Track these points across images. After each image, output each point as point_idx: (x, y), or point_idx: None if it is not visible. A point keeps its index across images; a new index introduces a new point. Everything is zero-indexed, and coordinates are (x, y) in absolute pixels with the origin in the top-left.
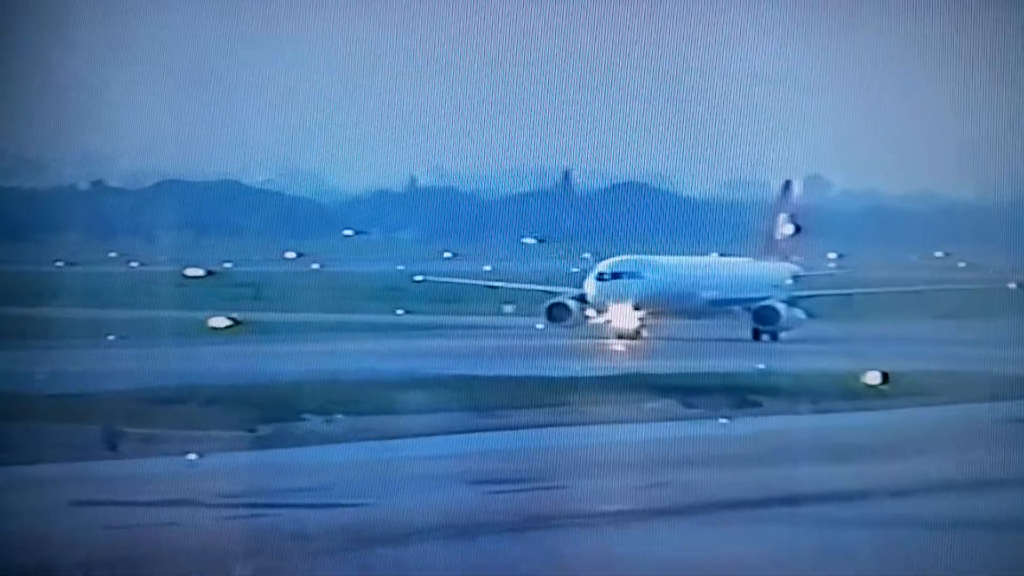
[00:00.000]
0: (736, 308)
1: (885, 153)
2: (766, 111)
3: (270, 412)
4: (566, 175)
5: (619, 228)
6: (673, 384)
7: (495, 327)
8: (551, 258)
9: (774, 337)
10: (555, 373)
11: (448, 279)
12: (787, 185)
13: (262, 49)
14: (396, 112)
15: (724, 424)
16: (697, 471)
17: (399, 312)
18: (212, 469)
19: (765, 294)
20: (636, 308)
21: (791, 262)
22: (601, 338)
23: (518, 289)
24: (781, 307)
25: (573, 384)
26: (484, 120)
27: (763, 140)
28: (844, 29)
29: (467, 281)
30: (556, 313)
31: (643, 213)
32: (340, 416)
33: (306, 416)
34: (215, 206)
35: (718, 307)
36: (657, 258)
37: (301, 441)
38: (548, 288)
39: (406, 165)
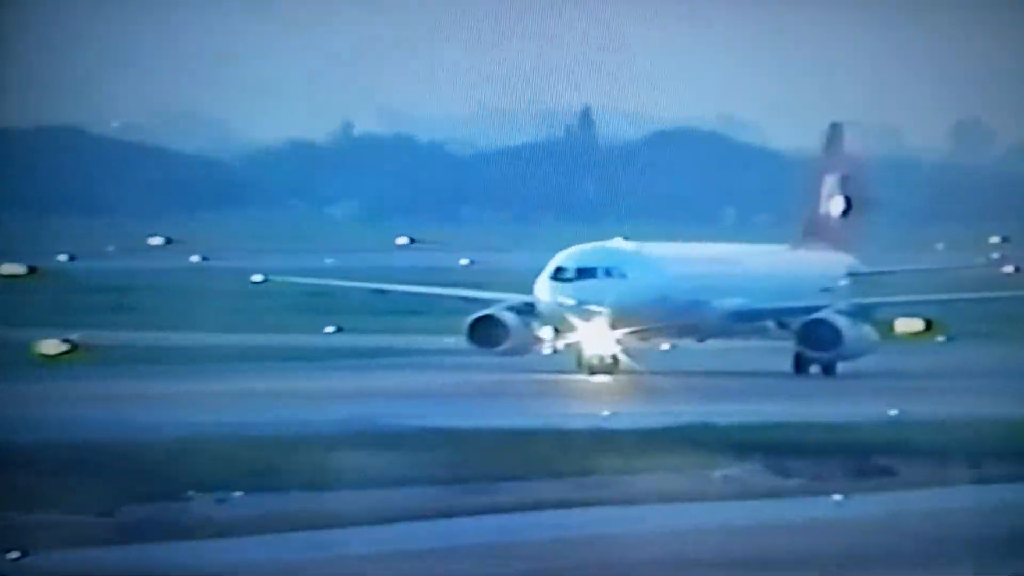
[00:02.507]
0: (769, 323)
1: None
2: (889, 27)
3: (137, 487)
4: (584, 116)
5: (662, 195)
6: (755, 440)
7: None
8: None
9: (828, 370)
10: (574, 424)
11: (303, 280)
12: (835, 129)
13: None
14: (322, 28)
15: (838, 502)
16: (797, 574)
17: (329, 330)
18: (50, 571)
19: (815, 302)
20: (613, 326)
21: (845, 252)
22: (562, 372)
23: (437, 296)
24: (842, 322)
25: (602, 440)
26: (453, 37)
27: (888, 69)
28: None
29: (323, 282)
30: (484, 332)
31: (696, 173)
32: (241, 493)
33: (190, 494)
34: (48, 167)
35: (741, 322)
36: (649, 247)
37: (184, 531)
38: (477, 295)
39: (338, 104)
